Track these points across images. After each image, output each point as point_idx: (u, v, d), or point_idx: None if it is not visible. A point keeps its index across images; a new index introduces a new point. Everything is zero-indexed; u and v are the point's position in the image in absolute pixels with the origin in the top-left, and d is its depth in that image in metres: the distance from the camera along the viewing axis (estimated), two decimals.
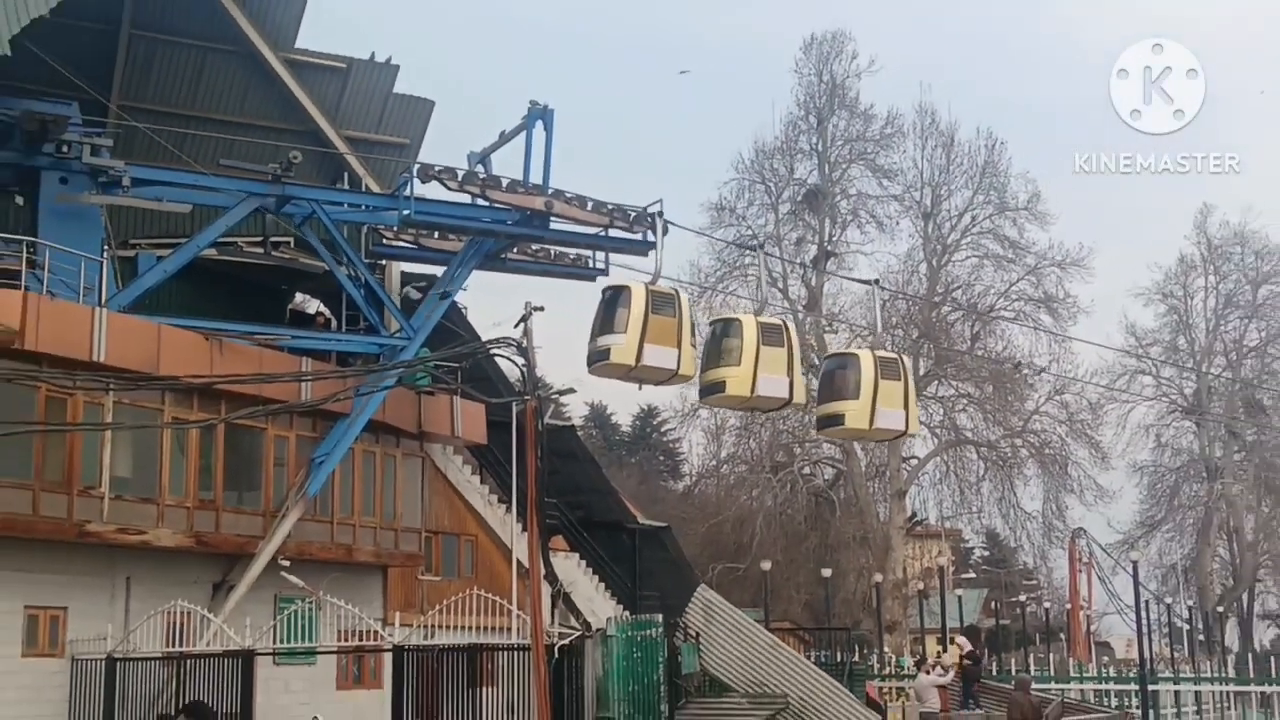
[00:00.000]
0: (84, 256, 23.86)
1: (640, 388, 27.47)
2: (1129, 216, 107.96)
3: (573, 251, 29.79)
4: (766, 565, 41.64)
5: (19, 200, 25.91)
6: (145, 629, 22.43)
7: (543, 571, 22.19)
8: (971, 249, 52.24)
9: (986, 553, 76.78)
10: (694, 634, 23.87)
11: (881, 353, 27.25)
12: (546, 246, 29.62)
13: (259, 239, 29.16)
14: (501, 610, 22.63)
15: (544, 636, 20.58)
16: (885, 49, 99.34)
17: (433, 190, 26.84)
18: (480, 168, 27.91)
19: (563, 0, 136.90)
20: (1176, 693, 36.17)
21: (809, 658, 30.49)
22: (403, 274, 31.37)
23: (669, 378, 24.99)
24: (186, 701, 21.28)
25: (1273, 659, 37.94)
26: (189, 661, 21.97)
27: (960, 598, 50.61)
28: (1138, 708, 30.89)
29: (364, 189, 30.06)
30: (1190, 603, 58.26)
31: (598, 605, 33.23)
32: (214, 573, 25.72)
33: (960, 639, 33.21)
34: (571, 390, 53.15)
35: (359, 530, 28.05)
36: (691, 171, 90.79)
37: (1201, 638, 57.20)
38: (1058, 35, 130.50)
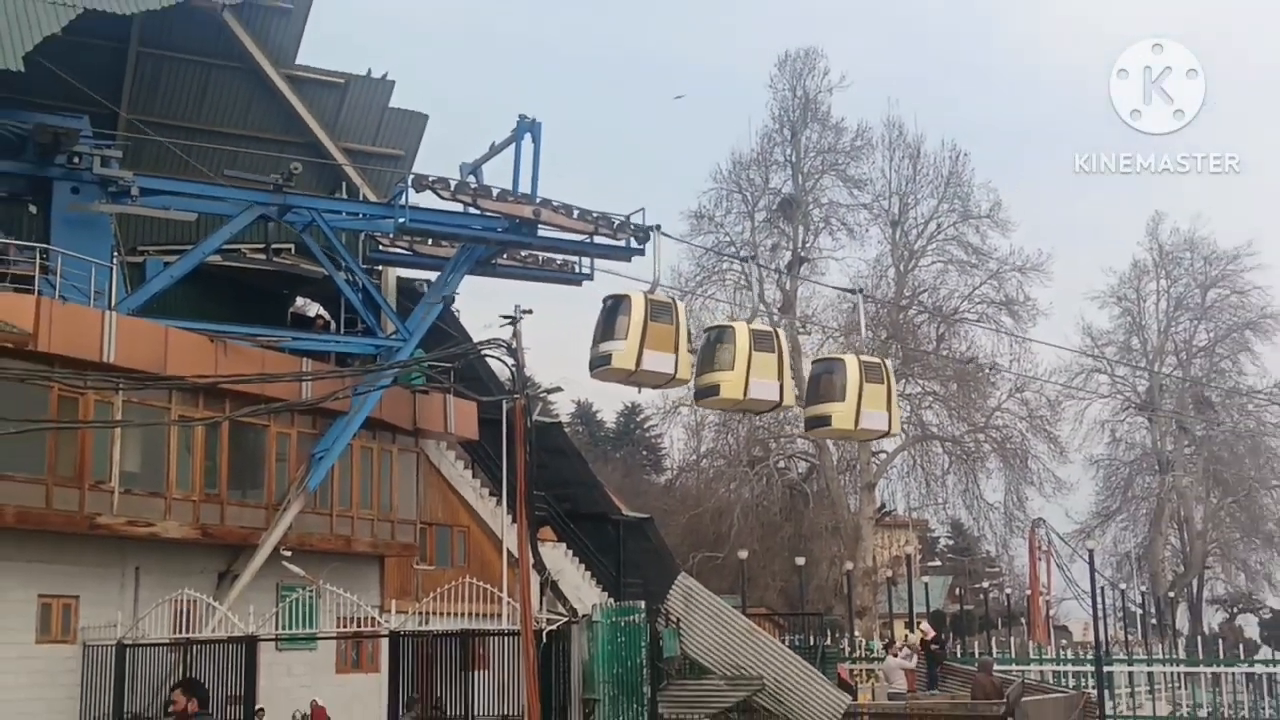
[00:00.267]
0: (94, 262, 23.79)
1: (640, 391, 27.45)
2: (1086, 224, 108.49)
3: (559, 257, 29.78)
4: (744, 554, 41.59)
5: (32, 209, 25.86)
6: (154, 616, 22.37)
7: (531, 560, 22.20)
8: (937, 255, 52.27)
9: (951, 541, 76.94)
10: (675, 619, 23.79)
11: (866, 357, 27.34)
12: (534, 252, 29.62)
13: (261, 246, 29.06)
14: (492, 598, 22.61)
15: (533, 622, 20.54)
16: (855, 66, 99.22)
17: (426, 199, 26.90)
18: (472, 178, 27.86)
19: (551, 20, 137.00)
20: (1130, 673, 36.23)
21: (784, 642, 30.45)
22: (398, 279, 31.31)
23: (667, 381, 25.04)
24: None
25: (1221, 641, 38.09)
26: (195, 647, 21.92)
27: (927, 584, 50.59)
28: (1094, 688, 30.91)
29: (361, 198, 29.97)
30: (1143, 588, 58.48)
31: (584, 593, 33.20)
32: (219, 563, 25.66)
33: (924, 625, 33.24)
34: (558, 389, 52.67)
35: (357, 522, 28.00)
36: (673, 181, 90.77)
37: (1154, 621, 57.36)
38: (1015, 52, 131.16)
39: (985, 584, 63.95)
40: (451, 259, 28.55)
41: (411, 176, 26.93)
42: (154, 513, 23.90)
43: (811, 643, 34.58)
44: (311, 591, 22.61)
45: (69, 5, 24.16)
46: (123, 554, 23.93)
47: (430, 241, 29.24)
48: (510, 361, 21.75)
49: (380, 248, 29.71)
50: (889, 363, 29.43)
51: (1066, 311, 71.99)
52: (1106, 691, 31.59)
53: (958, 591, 68.47)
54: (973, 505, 52.28)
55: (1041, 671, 34.23)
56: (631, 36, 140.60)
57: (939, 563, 72.24)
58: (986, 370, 49.88)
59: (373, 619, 22.82)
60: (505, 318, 22.62)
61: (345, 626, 23.84)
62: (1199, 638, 45.77)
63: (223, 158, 28.26)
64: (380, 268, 30.49)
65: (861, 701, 28.22)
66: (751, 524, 50.48)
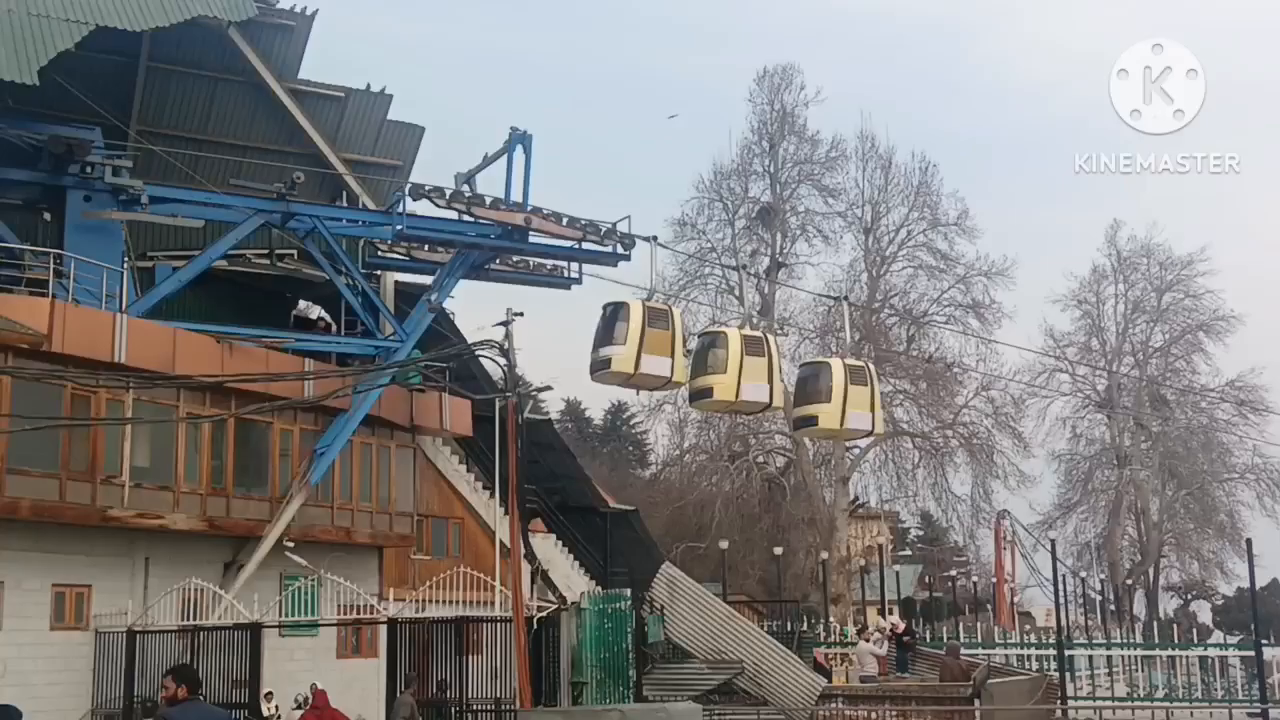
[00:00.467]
0: (106, 267, 23.80)
1: (638, 393, 27.39)
2: (1048, 231, 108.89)
3: (549, 262, 29.82)
4: (724, 544, 41.72)
5: (47, 216, 25.81)
6: (162, 605, 22.40)
7: (523, 551, 22.30)
8: (907, 260, 52.44)
9: (921, 532, 77.08)
10: (659, 606, 23.91)
11: (850, 360, 27.35)
12: (526, 258, 29.64)
13: (265, 251, 29.12)
14: (486, 586, 22.70)
15: (524, 609, 20.61)
16: (830, 81, 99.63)
17: (423, 207, 26.95)
18: (466, 187, 27.88)
19: (544, 38, 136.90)
20: (1090, 657, 36.43)
21: (762, 627, 30.57)
22: (396, 283, 31.33)
23: (664, 384, 25.04)
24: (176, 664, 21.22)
25: (1175, 626, 38.34)
26: (202, 634, 21.97)
27: (898, 573, 50.87)
28: (1056, 670, 31.09)
29: (360, 206, 30.01)
30: (1102, 576, 58.65)
31: (572, 581, 33.26)
32: (225, 553, 25.66)
33: (894, 619, 33.42)
34: (549, 387, 53.37)
35: (357, 514, 28.01)
36: (657, 189, 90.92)
37: (1113, 608, 57.53)
38: (983, 69, 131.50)
39: (953, 572, 64.14)
40: (446, 264, 28.59)
41: (409, 185, 26.99)
42: (163, 506, 23.91)
43: (789, 628, 34.66)
44: (313, 580, 22.63)
45: (82, 22, 24.16)
46: (133, 545, 23.93)
47: (426, 247, 29.25)
48: (502, 361, 21.80)
49: (379, 253, 29.74)
50: (873, 366, 29.48)
51: (1030, 314, 72.50)
52: (1068, 674, 31.81)
53: (927, 579, 68.63)
54: (941, 498, 52.53)
55: (1006, 655, 34.38)
56: (617, 55, 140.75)
57: (909, 552, 72.51)
58: (953, 370, 50.08)
59: (372, 606, 22.89)
60: (500, 324, 22.75)
61: (346, 614, 23.84)
62: (1155, 623, 45.92)
63: (228, 167, 28.23)
64: (379, 272, 30.50)
65: (836, 684, 28.34)
66: (732, 516, 50.61)
